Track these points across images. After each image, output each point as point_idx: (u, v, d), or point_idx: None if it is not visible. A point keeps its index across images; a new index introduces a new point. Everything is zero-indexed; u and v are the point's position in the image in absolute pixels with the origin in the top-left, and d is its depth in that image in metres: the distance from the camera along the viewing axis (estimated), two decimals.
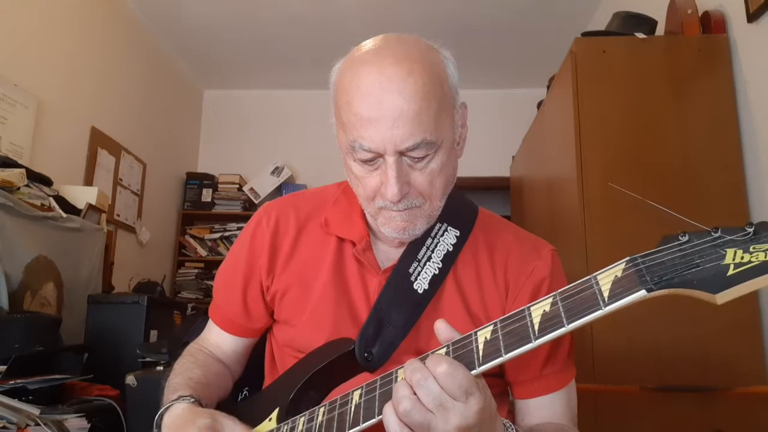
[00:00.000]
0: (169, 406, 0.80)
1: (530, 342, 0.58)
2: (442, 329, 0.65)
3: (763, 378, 1.67)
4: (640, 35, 1.99)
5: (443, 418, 0.58)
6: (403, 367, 0.67)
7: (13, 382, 1.66)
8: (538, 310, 0.60)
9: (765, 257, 0.50)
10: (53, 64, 2.93)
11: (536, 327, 0.59)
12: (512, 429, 0.67)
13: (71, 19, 3.09)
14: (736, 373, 1.67)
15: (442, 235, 0.87)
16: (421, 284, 0.84)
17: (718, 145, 1.84)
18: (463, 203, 0.93)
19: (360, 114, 0.74)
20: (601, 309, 0.55)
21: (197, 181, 4.60)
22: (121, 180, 3.57)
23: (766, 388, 1.62)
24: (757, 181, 1.78)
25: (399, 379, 0.66)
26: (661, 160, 1.84)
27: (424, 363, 0.61)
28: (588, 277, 0.59)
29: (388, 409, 0.61)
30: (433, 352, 0.64)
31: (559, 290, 0.60)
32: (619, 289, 0.55)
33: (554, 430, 0.81)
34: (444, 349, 0.64)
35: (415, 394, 0.59)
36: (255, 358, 1.00)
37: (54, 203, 2.43)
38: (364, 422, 0.66)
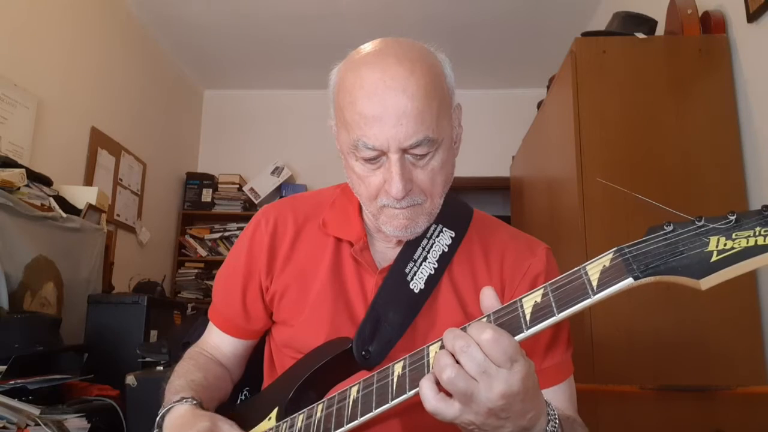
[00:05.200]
0: (170, 407, 0.80)
1: (522, 332, 0.60)
2: (488, 295, 0.65)
3: (763, 378, 1.67)
4: (640, 35, 1.99)
5: (487, 385, 0.58)
6: (399, 361, 0.68)
7: (13, 382, 1.66)
8: (530, 301, 0.61)
9: (747, 243, 0.51)
10: (53, 64, 2.93)
11: (528, 317, 0.60)
12: (551, 406, 0.67)
13: (71, 19, 3.09)
14: (736, 373, 1.67)
15: (437, 236, 0.88)
16: (417, 284, 0.84)
17: (718, 145, 1.84)
18: (457, 205, 0.94)
19: (364, 112, 0.75)
20: (590, 297, 0.57)
21: (197, 181, 4.60)
22: (121, 180, 3.57)
23: (766, 388, 1.62)
24: (757, 181, 1.78)
25: (395, 373, 0.67)
26: (661, 160, 1.84)
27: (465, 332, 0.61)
28: (577, 267, 0.60)
29: (425, 382, 0.60)
30: (471, 324, 0.63)
31: (550, 281, 0.61)
32: (607, 278, 0.57)
33: (569, 417, 0.81)
34: (485, 318, 0.64)
35: (457, 362, 0.59)
36: (256, 360, 1.01)
37: (54, 203, 2.43)
38: (361, 416, 0.67)
